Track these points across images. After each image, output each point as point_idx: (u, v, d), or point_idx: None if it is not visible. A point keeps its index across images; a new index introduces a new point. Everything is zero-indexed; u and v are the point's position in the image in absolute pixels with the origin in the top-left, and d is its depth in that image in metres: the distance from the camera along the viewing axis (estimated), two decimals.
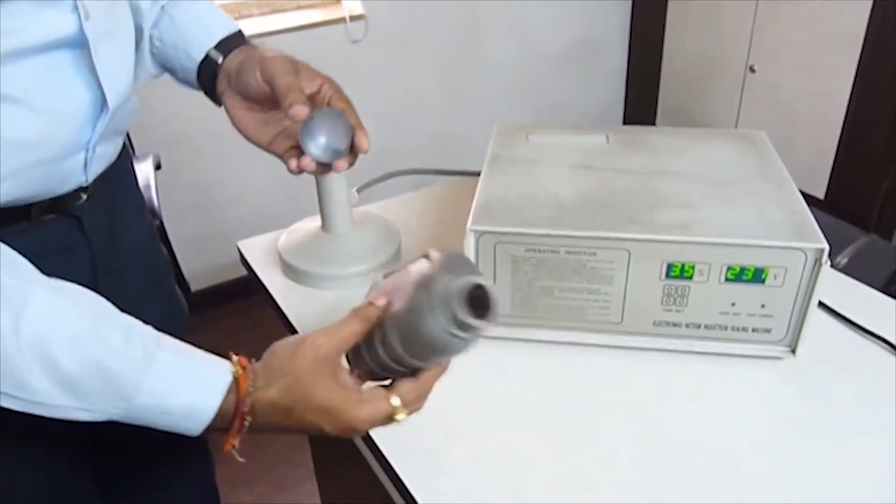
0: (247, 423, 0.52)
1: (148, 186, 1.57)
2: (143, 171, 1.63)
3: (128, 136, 1.80)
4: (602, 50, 2.79)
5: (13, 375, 0.46)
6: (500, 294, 0.72)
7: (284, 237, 0.94)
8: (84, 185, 0.60)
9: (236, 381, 0.51)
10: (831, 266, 0.86)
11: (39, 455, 0.63)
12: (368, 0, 2.25)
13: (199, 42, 0.68)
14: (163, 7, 0.70)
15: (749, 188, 0.74)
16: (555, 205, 0.72)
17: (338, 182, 0.87)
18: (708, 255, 0.66)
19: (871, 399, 0.67)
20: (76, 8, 0.53)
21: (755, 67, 2.30)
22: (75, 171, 0.58)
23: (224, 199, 2.31)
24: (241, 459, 0.60)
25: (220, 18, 0.70)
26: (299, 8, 2.33)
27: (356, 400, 0.53)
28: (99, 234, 0.65)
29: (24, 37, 0.49)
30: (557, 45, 2.68)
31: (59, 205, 0.59)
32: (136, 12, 0.69)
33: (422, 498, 0.59)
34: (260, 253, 0.96)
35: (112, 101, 0.57)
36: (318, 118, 0.62)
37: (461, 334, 0.50)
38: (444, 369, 0.57)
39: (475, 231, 0.69)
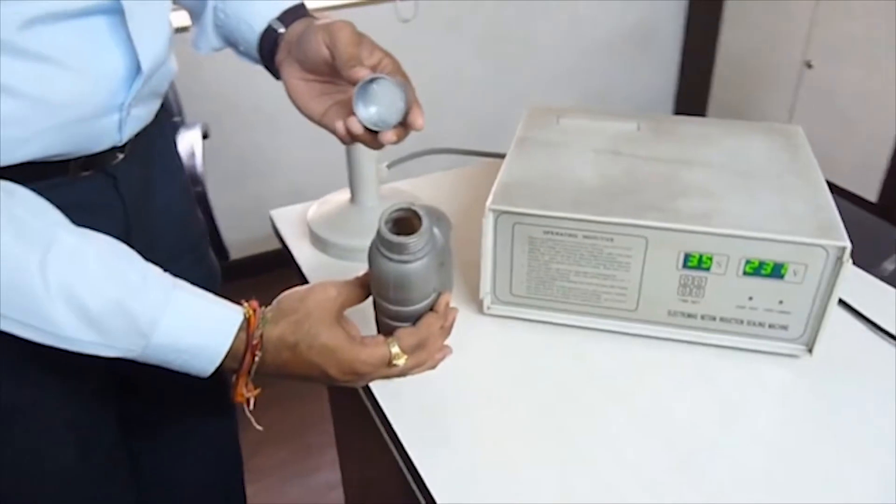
0: (257, 359, 0.56)
1: (193, 154, 1.61)
2: (190, 138, 1.68)
3: (178, 104, 1.85)
4: (656, 38, 2.74)
5: (41, 312, 0.49)
6: (516, 271, 0.73)
7: (314, 208, 0.96)
8: (119, 144, 0.63)
9: (247, 320, 0.56)
10: (877, 272, 0.84)
11: (68, 387, 0.66)
12: None
13: (262, 13, 0.68)
14: None
15: (776, 182, 0.73)
16: (576, 188, 0.72)
17: (367, 156, 0.88)
18: (726, 247, 0.66)
19: (888, 408, 0.66)
20: None
21: (812, 63, 2.23)
22: (110, 130, 0.61)
23: (269, 171, 2.35)
24: (258, 427, 0.64)
25: None
26: None
27: (358, 342, 0.58)
28: (133, 194, 0.67)
29: (63, 2, 0.52)
30: (609, 31, 2.64)
31: (95, 162, 0.62)
32: None
33: (424, 470, 0.60)
34: (291, 223, 0.98)
35: (146, 66, 0.59)
36: (378, 84, 0.60)
37: (392, 255, 0.56)
38: (441, 316, 0.61)
39: (494, 210, 0.70)
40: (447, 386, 0.69)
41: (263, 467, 1.71)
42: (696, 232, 0.65)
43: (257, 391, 0.59)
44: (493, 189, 0.72)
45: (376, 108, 0.61)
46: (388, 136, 0.61)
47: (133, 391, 0.80)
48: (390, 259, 0.56)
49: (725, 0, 2.53)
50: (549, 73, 2.63)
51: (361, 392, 0.70)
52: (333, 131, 0.64)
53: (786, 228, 0.64)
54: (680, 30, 2.76)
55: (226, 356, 0.55)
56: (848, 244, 0.62)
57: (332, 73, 0.63)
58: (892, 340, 0.73)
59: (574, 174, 0.75)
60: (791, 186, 0.72)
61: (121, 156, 0.64)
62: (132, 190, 0.67)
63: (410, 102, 0.61)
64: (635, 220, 0.66)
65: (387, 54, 0.64)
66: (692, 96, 2.80)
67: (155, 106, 0.68)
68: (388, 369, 0.60)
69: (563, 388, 0.68)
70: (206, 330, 0.55)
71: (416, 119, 0.60)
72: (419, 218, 0.56)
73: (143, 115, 0.65)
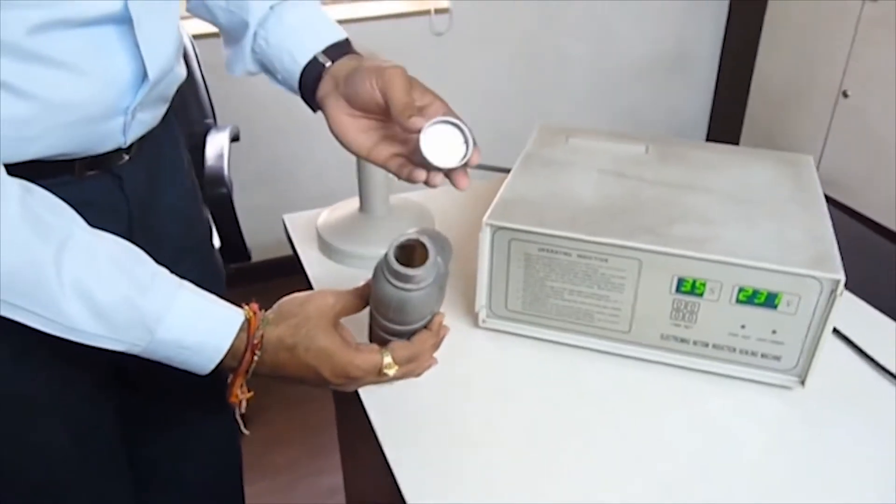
0: (256, 358, 0.58)
1: (220, 156, 1.65)
2: (219, 141, 1.72)
3: (211, 106, 1.89)
4: (690, 62, 2.73)
5: (53, 303, 0.51)
6: (512, 287, 0.74)
7: (325, 214, 0.98)
8: (123, 146, 0.65)
9: (248, 321, 0.58)
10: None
11: (66, 379, 0.68)
12: None
13: (307, 45, 0.68)
14: (272, 7, 0.70)
15: (777, 210, 0.72)
16: (574, 208, 0.72)
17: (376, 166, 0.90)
18: (719, 274, 0.65)
19: (881, 444, 0.65)
20: None
21: (848, 92, 2.20)
22: (114, 133, 0.63)
23: (298, 174, 2.39)
24: (245, 432, 0.65)
25: (328, 24, 0.71)
26: None
27: (353, 348, 0.60)
28: (138, 194, 0.69)
29: (72, 10, 0.54)
30: (643, 53, 2.64)
31: (100, 162, 0.64)
32: (243, 9, 0.70)
33: (401, 475, 0.61)
34: (302, 228, 1.00)
35: (153, 73, 0.61)
36: (440, 127, 0.61)
37: (397, 283, 0.57)
38: (434, 334, 0.63)
39: (490, 225, 0.71)
40: (436, 395, 0.70)
41: (271, 466, 1.73)
42: (689, 257, 0.65)
43: (250, 394, 0.61)
44: (492, 204, 0.73)
45: (443, 151, 0.62)
46: (462, 183, 0.64)
47: (134, 387, 0.81)
48: (395, 286, 0.57)
49: (763, 26, 2.51)
50: (581, 92, 2.63)
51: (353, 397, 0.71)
52: (384, 167, 0.67)
53: (779, 258, 0.64)
54: (716, 54, 2.73)
55: (226, 354, 0.57)
56: (842, 277, 0.62)
57: (381, 113, 0.65)
58: (888, 376, 0.71)
59: (574, 193, 0.75)
60: (791, 216, 0.71)
61: (126, 157, 0.66)
62: (137, 190, 0.69)
63: (471, 141, 0.62)
64: (628, 241, 0.67)
65: (436, 97, 0.65)
66: (726, 121, 2.78)
67: (161, 110, 0.70)
68: (378, 377, 0.61)
69: (550, 405, 0.69)
70: (208, 328, 0.57)
71: (474, 157, 0.63)
72: (426, 249, 0.58)
73: (148, 119, 0.67)
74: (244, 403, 0.61)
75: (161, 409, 0.87)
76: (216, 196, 1.57)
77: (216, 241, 1.65)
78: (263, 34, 0.71)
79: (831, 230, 0.69)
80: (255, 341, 0.57)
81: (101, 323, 0.53)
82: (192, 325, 0.56)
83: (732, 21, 2.62)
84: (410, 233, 0.59)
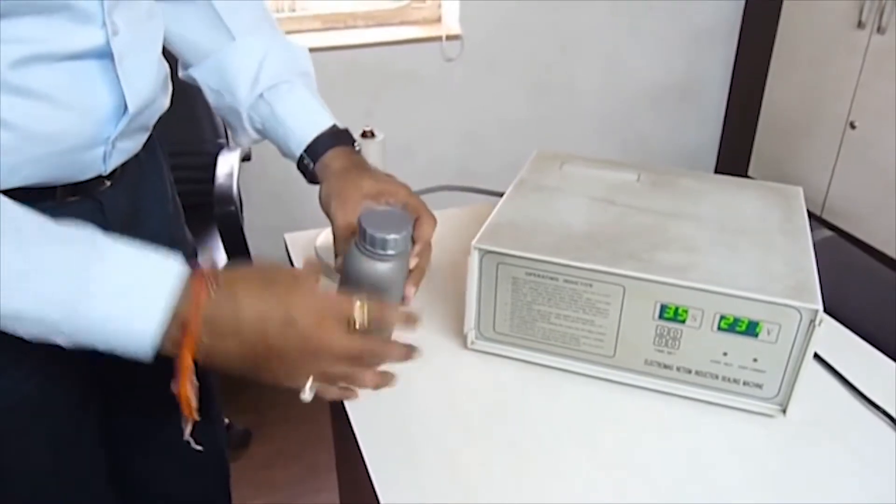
0: (213, 294, 0.50)
1: (230, 175, 1.68)
2: (230, 160, 1.75)
3: (224, 127, 1.93)
4: (700, 93, 2.74)
5: None
6: (500, 310, 0.75)
7: (324, 234, 1.00)
8: (103, 174, 0.66)
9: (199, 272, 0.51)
10: None
11: (49, 393, 0.69)
12: (466, 21, 2.32)
13: (296, 139, 0.75)
14: (261, 95, 0.73)
15: (761, 240, 0.73)
16: (561, 234, 0.74)
17: None
18: (701, 301, 0.66)
19: (859, 475, 0.65)
20: (105, 24, 0.59)
21: (856, 124, 2.20)
22: (95, 162, 0.64)
23: (308, 195, 2.41)
24: (198, 448, 0.61)
25: (313, 117, 0.75)
26: (402, 23, 2.44)
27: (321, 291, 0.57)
28: (118, 219, 0.70)
29: (54, 45, 0.56)
30: (653, 82, 2.66)
31: (82, 189, 0.65)
32: (230, 93, 0.74)
33: (383, 493, 0.62)
34: (301, 247, 1.03)
35: (133, 106, 0.63)
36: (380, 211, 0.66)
37: (373, 251, 0.61)
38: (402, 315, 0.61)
39: (479, 249, 0.72)
40: (423, 415, 0.71)
41: (269, 484, 1.74)
42: (671, 284, 0.66)
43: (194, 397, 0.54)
44: (482, 228, 0.75)
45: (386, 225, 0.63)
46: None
47: (119, 403, 0.82)
48: (371, 255, 0.61)
49: (771, 57, 2.52)
50: (590, 120, 2.65)
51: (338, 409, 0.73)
52: None
53: (759, 287, 0.65)
54: (725, 85, 2.75)
55: (181, 294, 0.49)
56: (820, 307, 0.63)
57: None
58: (873, 409, 0.72)
59: (563, 219, 0.77)
60: (775, 246, 0.72)
61: (108, 183, 0.67)
62: (117, 215, 0.70)
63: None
64: (611, 267, 0.68)
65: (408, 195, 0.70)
66: (735, 152, 2.78)
67: (142, 139, 0.71)
68: (350, 339, 0.56)
69: (536, 428, 0.69)
70: (153, 264, 0.51)
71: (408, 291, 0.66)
72: (396, 219, 0.63)
73: (129, 147, 0.69)
74: (194, 410, 0.54)
75: (147, 426, 0.88)
76: (224, 214, 1.60)
77: (223, 258, 1.68)
78: (258, 119, 0.78)
79: (813, 261, 0.70)
80: (210, 275, 0.51)
81: (27, 285, 0.47)
82: (134, 263, 0.50)
83: (741, 53, 2.64)
84: (378, 209, 0.64)
